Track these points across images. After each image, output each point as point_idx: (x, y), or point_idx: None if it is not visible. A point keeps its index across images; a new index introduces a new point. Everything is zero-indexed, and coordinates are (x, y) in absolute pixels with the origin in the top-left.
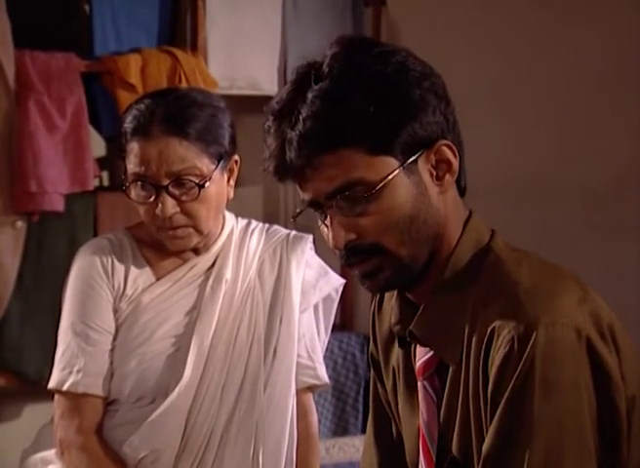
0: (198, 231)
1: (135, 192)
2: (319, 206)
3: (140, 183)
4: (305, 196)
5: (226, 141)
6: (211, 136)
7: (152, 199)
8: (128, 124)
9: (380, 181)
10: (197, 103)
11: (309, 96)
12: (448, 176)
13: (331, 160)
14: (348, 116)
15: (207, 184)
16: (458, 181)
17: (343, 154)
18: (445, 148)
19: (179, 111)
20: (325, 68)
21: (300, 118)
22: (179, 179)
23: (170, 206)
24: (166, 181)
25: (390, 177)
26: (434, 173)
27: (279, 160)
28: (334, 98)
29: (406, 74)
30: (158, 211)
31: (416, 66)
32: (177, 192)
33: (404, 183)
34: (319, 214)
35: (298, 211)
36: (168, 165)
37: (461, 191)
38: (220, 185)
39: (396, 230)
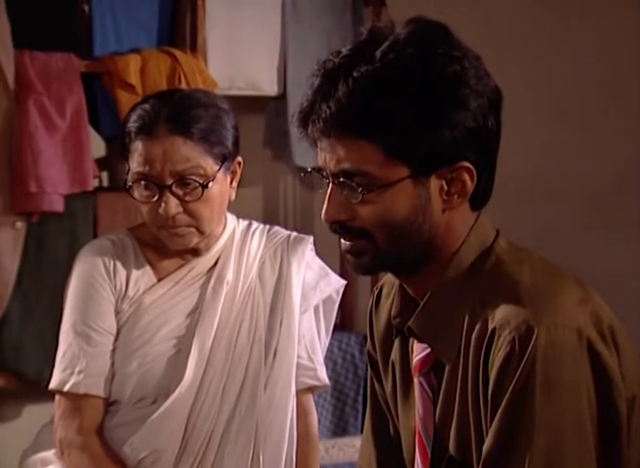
0: (200, 231)
1: (138, 192)
2: (325, 175)
3: (143, 183)
4: (317, 159)
5: (230, 143)
6: (215, 136)
7: (155, 198)
8: (132, 123)
9: (385, 184)
10: (202, 104)
11: (354, 74)
12: (457, 197)
13: (347, 144)
14: (376, 112)
15: (210, 185)
16: (474, 196)
17: (361, 144)
18: (463, 171)
19: (183, 111)
20: (378, 53)
21: (336, 94)
22: (182, 179)
23: (173, 205)
24: (170, 181)
25: (395, 184)
26: (446, 188)
27: (305, 118)
28: (371, 90)
29: (455, 90)
30: (161, 210)
31: (470, 81)
32: (180, 192)
33: (408, 192)
34: (323, 181)
35: (308, 170)
36: (172, 164)
37: (477, 204)
38: (222, 186)
39: (386, 229)
